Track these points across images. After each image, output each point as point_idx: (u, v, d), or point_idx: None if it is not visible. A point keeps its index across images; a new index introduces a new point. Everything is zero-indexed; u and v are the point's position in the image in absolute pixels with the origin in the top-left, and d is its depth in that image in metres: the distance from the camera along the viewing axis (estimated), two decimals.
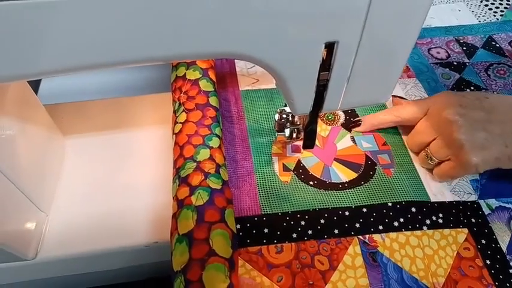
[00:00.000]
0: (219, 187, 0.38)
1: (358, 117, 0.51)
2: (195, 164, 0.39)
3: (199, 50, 0.27)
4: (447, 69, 0.59)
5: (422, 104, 0.45)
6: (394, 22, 0.27)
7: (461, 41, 0.63)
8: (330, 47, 0.29)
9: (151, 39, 0.25)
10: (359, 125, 0.49)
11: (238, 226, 0.40)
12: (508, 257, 0.40)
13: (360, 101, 0.35)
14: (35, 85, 0.64)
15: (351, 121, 0.50)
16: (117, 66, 0.27)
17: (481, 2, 0.71)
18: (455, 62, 0.60)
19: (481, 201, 0.44)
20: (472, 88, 0.56)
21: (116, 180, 0.46)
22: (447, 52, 0.61)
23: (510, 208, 0.44)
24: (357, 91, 0.33)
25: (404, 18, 0.27)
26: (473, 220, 0.42)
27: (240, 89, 0.54)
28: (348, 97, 0.34)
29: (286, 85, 0.31)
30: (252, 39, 0.27)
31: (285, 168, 0.46)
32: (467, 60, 0.60)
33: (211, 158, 0.40)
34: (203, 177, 0.38)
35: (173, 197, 0.38)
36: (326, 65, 0.30)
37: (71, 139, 0.49)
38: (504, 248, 0.41)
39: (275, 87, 0.54)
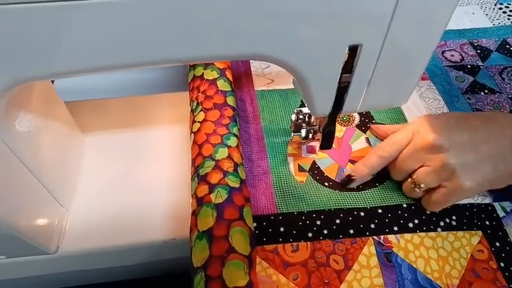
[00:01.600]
0: (237, 185, 0.39)
1: (373, 119, 0.51)
2: (214, 162, 0.40)
3: (223, 52, 0.28)
4: (461, 72, 0.59)
5: (405, 132, 0.43)
6: (417, 28, 0.28)
7: (475, 44, 0.64)
8: (353, 49, 0.29)
9: (173, 42, 0.26)
10: (353, 180, 0.44)
11: (255, 224, 0.41)
12: None
13: (379, 103, 0.36)
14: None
15: (365, 124, 0.50)
16: (137, 67, 0.28)
17: (495, 5, 0.71)
18: (469, 65, 0.60)
19: (496, 204, 0.44)
20: (486, 91, 0.56)
21: (134, 177, 0.47)
22: (461, 55, 0.62)
23: None
24: (377, 94, 0.34)
25: (427, 25, 0.28)
26: (487, 223, 0.43)
27: (255, 89, 0.55)
28: (367, 99, 0.34)
29: (307, 86, 0.32)
30: (275, 40, 0.27)
31: (300, 169, 0.46)
32: (481, 63, 0.60)
33: (229, 157, 0.41)
34: (222, 176, 0.39)
35: (192, 195, 0.39)
36: (348, 68, 0.31)
37: (89, 136, 0.50)
38: None
39: (290, 87, 0.54)
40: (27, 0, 0.22)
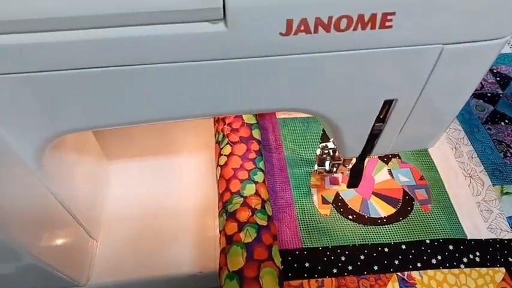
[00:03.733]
0: (265, 223, 0.39)
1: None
2: (242, 199, 0.41)
3: (269, 106, 0.29)
4: (481, 100, 0.59)
5: None
6: (450, 87, 0.29)
7: (495, 71, 0.64)
8: (388, 102, 0.30)
9: (218, 100, 0.27)
10: None
11: (281, 259, 0.41)
12: None
13: (409, 146, 0.37)
14: None
15: (387, 156, 0.51)
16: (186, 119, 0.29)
17: None
18: (489, 93, 0.60)
19: None
20: (507, 121, 0.56)
21: (159, 206, 0.48)
22: (481, 83, 0.62)
23: None
24: (406, 140, 0.34)
25: (459, 86, 0.29)
26: (510, 259, 0.43)
27: (277, 117, 0.56)
28: (397, 144, 0.35)
29: (340, 132, 0.33)
30: (313, 96, 0.28)
31: (324, 201, 0.47)
32: (501, 91, 0.61)
33: (257, 193, 0.41)
34: (250, 214, 0.39)
35: (220, 231, 0.40)
36: (381, 117, 0.31)
37: (115, 164, 0.51)
38: None
39: (311, 115, 0.55)
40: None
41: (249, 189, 0.41)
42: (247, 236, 0.37)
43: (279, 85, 0.26)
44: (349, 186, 0.42)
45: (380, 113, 0.31)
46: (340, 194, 0.47)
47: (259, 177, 0.43)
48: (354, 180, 0.40)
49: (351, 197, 0.47)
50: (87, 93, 0.25)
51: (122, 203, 0.48)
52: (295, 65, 0.25)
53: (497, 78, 0.63)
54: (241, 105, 0.27)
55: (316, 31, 0.23)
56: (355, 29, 0.23)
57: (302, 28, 0.22)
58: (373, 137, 0.33)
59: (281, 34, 0.23)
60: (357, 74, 0.26)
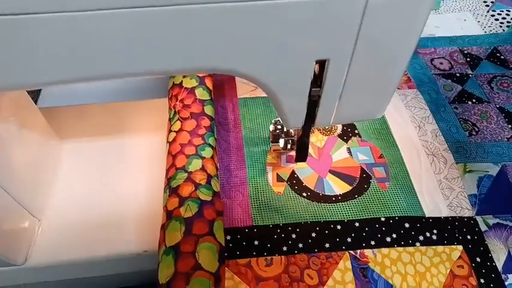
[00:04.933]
0: (209, 198, 0.38)
1: (356, 129, 0.50)
2: (186, 174, 0.39)
3: (189, 65, 0.27)
4: (449, 80, 0.58)
5: None
6: (384, 46, 0.27)
7: (466, 52, 0.62)
8: (321, 63, 0.28)
9: (148, 55, 0.25)
10: None
11: (229, 237, 0.40)
12: (503, 276, 0.39)
13: (353, 116, 0.35)
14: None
15: (347, 134, 0.50)
16: (114, 78, 0.27)
17: (488, 12, 0.69)
18: (458, 73, 0.59)
19: (478, 218, 0.43)
20: (474, 101, 0.55)
21: (111, 186, 0.46)
22: (450, 63, 0.61)
23: (508, 225, 0.43)
24: (350, 107, 0.33)
25: (393, 45, 0.27)
26: (468, 237, 0.42)
27: (238, 96, 0.54)
28: (341, 113, 0.33)
29: (278, 100, 0.31)
30: (242, 55, 0.26)
31: (279, 179, 0.45)
32: (471, 72, 0.59)
33: (203, 169, 0.40)
34: (193, 188, 0.38)
35: (163, 207, 0.38)
36: (318, 81, 0.30)
37: (68, 143, 0.50)
38: (500, 267, 0.40)
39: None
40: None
41: (195, 165, 0.40)
42: (188, 210, 0.36)
43: (193, 40, 0.25)
44: (297, 161, 0.40)
45: (315, 78, 0.30)
46: (296, 172, 0.46)
47: (207, 152, 0.41)
48: (301, 153, 0.39)
49: (307, 175, 0.46)
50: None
51: (71, 183, 0.46)
52: (201, 17, 0.23)
53: (468, 59, 0.61)
54: (153, 63, 0.25)
55: None
56: None
57: None
58: (313, 104, 0.32)
59: None
60: (277, 28, 0.25)
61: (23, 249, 0.39)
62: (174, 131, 0.43)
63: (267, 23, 0.24)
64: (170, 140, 0.43)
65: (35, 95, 0.63)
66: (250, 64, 0.27)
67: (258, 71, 0.28)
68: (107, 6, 0.22)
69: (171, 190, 0.38)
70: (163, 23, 0.23)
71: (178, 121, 0.44)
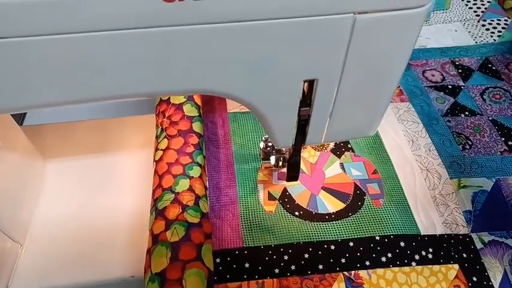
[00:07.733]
0: (196, 221, 0.36)
1: (349, 144, 0.49)
2: (173, 195, 0.38)
3: (179, 87, 0.26)
4: (442, 92, 0.58)
5: None
6: (374, 64, 0.26)
7: (457, 63, 0.62)
8: (310, 82, 0.27)
9: (140, 78, 0.24)
10: None
11: (218, 260, 0.38)
12: None
13: (345, 134, 0.34)
14: None
15: (340, 149, 0.48)
16: (104, 101, 0.26)
17: (478, 22, 0.69)
18: (450, 85, 0.59)
19: (474, 235, 0.42)
20: (467, 113, 0.54)
21: (97, 208, 0.44)
22: (442, 75, 0.60)
23: (503, 242, 0.42)
24: (342, 125, 0.32)
25: (384, 63, 0.26)
26: (464, 255, 0.41)
27: (228, 110, 0.53)
28: (332, 131, 0.32)
29: (267, 120, 0.30)
30: (228, 76, 0.25)
31: (270, 197, 0.44)
32: (463, 84, 0.59)
33: (190, 189, 0.38)
34: (180, 211, 0.36)
35: (149, 230, 0.37)
36: (307, 100, 0.29)
37: (52, 162, 0.48)
38: (496, 286, 0.39)
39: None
40: None
41: (182, 185, 0.38)
42: (174, 234, 0.35)
43: (180, 62, 0.24)
44: (288, 180, 0.39)
45: (305, 97, 0.29)
46: (288, 190, 0.45)
47: (195, 171, 0.40)
48: (292, 173, 0.37)
49: (299, 193, 0.45)
50: None
51: (55, 205, 0.44)
52: (187, 38, 0.22)
53: (459, 70, 0.61)
54: (138, 86, 0.24)
55: None
56: None
57: None
58: (303, 123, 0.31)
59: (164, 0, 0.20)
60: (264, 48, 0.24)
61: (3, 275, 0.38)
62: (161, 149, 0.42)
63: (253, 43, 0.23)
64: (157, 158, 0.41)
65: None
66: (236, 85, 0.26)
67: (244, 91, 0.27)
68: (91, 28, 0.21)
69: (157, 212, 0.37)
70: (153, 44, 0.22)
71: (165, 139, 0.43)
